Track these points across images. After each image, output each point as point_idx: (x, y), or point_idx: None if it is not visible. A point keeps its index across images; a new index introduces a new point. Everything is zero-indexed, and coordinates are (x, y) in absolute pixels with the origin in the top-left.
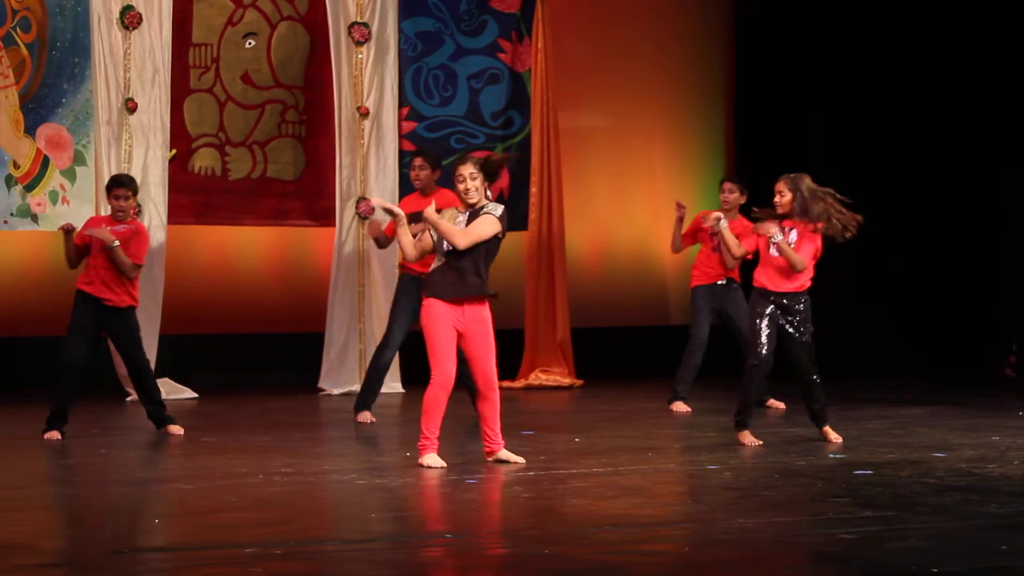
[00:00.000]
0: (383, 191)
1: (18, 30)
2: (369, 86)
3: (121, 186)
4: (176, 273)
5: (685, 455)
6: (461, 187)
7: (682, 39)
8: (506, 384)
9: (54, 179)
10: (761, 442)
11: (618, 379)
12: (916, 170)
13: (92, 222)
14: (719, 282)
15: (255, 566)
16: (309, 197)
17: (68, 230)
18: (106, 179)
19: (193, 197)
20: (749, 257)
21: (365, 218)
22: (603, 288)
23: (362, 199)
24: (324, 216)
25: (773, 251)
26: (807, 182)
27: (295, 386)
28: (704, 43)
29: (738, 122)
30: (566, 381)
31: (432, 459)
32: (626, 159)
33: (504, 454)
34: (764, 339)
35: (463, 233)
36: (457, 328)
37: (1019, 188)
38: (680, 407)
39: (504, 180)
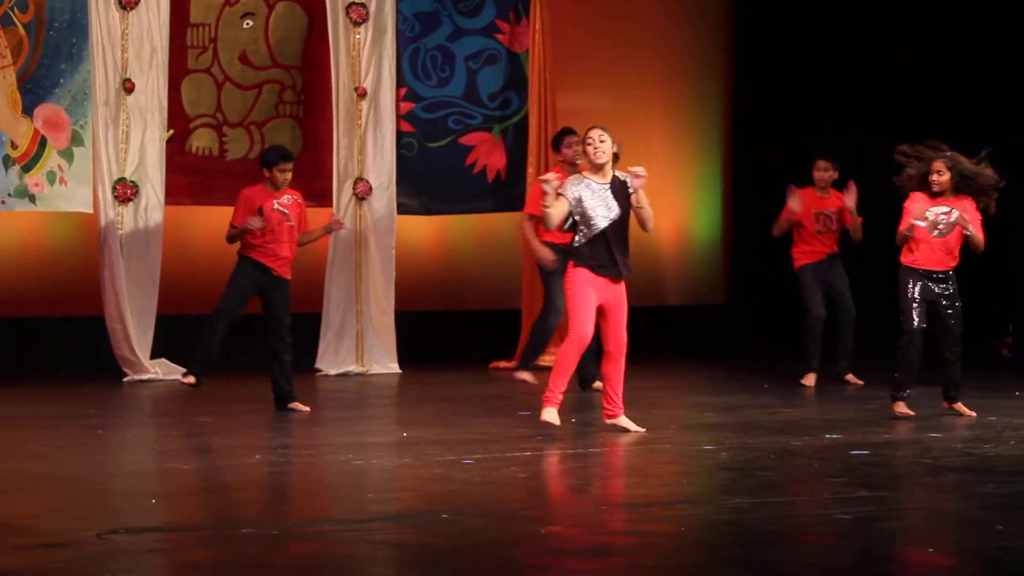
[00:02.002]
0: (380, 172)
1: (15, 10)
2: (367, 67)
3: (290, 160)
4: (173, 254)
5: (681, 435)
6: (591, 149)
7: (680, 21)
8: (503, 364)
9: (51, 159)
10: (914, 412)
11: None
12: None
13: (258, 197)
14: (824, 259)
15: (252, 546)
16: (307, 178)
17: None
18: (105, 160)
19: (190, 178)
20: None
21: (363, 199)
22: None
23: (360, 180)
24: (321, 197)
25: (935, 233)
26: (964, 162)
27: (292, 366)
28: (702, 25)
29: (736, 104)
30: None
31: (551, 414)
32: (624, 141)
33: (624, 421)
34: (916, 315)
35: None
36: (600, 298)
37: (1019, 170)
38: (812, 380)
39: (502, 161)
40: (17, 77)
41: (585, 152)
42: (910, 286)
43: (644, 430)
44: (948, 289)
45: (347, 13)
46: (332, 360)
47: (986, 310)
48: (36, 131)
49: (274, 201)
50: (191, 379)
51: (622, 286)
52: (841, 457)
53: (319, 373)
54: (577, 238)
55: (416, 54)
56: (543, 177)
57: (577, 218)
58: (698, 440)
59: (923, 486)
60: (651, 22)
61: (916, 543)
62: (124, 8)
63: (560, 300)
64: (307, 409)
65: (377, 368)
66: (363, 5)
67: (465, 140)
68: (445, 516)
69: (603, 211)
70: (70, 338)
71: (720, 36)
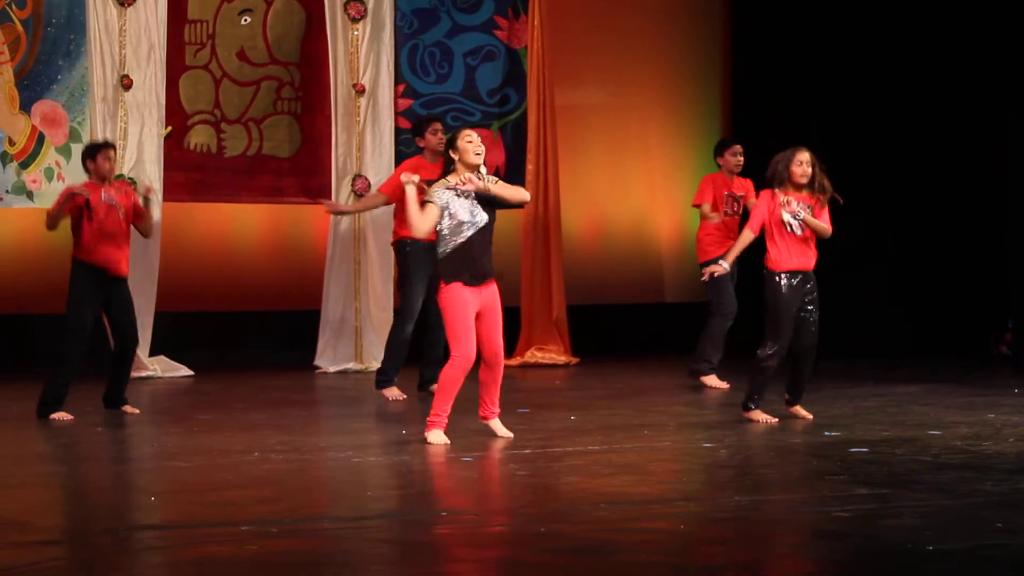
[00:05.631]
0: (379, 168)
1: (13, 6)
2: (365, 63)
3: (111, 147)
4: (171, 250)
5: (680, 433)
6: (471, 147)
7: (677, 16)
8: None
9: (49, 156)
10: (777, 420)
11: (613, 357)
12: (914, 146)
13: (88, 189)
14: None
15: (251, 543)
16: (305, 174)
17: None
18: None
19: (189, 174)
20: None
21: (361, 195)
22: (599, 266)
23: (358, 176)
24: (320, 193)
25: (796, 229)
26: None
27: (291, 364)
28: (700, 20)
29: (734, 100)
30: (562, 359)
31: (437, 436)
32: (622, 137)
33: (496, 424)
34: (786, 327)
35: (518, 191)
36: (476, 305)
37: (1019, 169)
38: (714, 381)
39: (500, 157)
40: (15, 73)
41: (462, 151)
42: (783, 292)
43: (512, 435)
44: (812, 292)
45: (345, 9)
46: (331, 357)
47: (985, 308)
48: (34, 128)
49: (102, 192)
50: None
51: (495, 290)
52: (840, 455)
53: (318, 370)
54: (441, 248)
55: (414, 50)
56: (407, 176)
57: (444, 229)
58: (697, 438)
59: (923, 484)
60: (649, 17)
61: (916, 541)
62: (122, 4)
63: (416, 305)
64: (137, 411)
65: (376, 365)
66: (361, 1)
67: None
68: (444, 514)
69: (468, 218)
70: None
71: (718, 31)
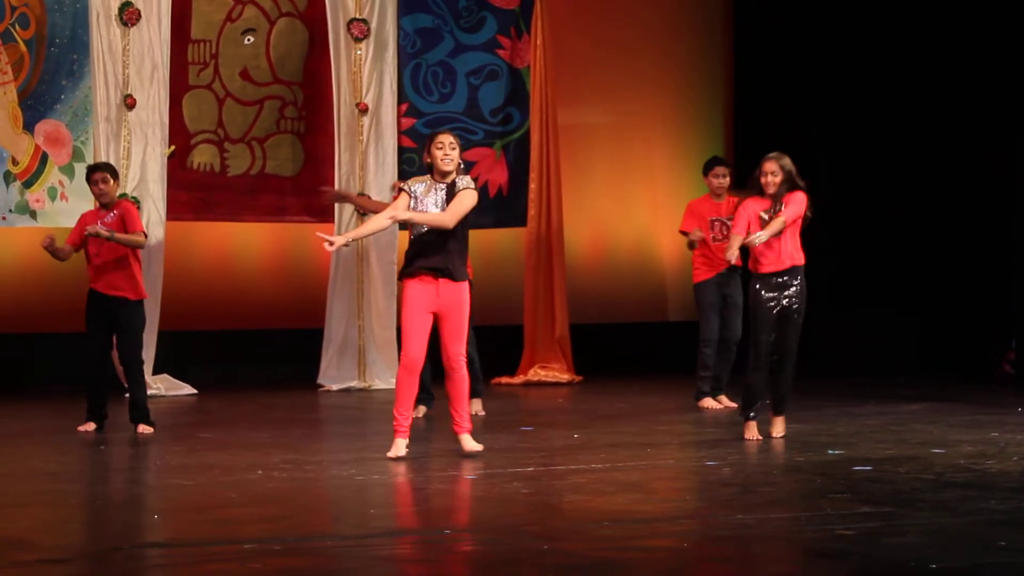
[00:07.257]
0: (382, 187)
1: (17, 26)
2: (368, 82)
3: (97, 170)
4: (175, 269)
5: (684, 451)
6: (440, 153)
7: (681, 35)
8: (505, 380)
9: (53, 175)
10: (761, 437)
11: (617, 375)
12: (916, 166)
13: (85, 219)
14: (723, 271)
15: (254, 562)
16: (308, 193)
17: (48, 247)
18: None
19: (192, 193)
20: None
21: (364, 214)
22: (602, 284)
23: (361, 195)
24: (323, 212)
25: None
26: (789, 161)
27: (294, 382)
28: (703, 39)
29: (737, 119)
30: (565, 377)
31: (398, 447)
32: (625, 156)
33: (465, 439)
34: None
35: (448, 213)
36: (433, 306)
37: (1022, 185)
38: (709, 403)
39: (503, 176)
40: (18, 93)
41: (434, 158)
42: (759, 296)
43: (481, 448)
44: (794, 290)
45: (348, 29)
46: (334, 375)
47: (988, 326)
48: (37, 147)
49: (98, 221)
50: (92, 426)
51: (459, 293)
52: (844, 473)
53: (321, 388)
54: (412, 237)
55: (417, 70)
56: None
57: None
58: (701, 456)
59: (926, 502)
60: (652, 36)
61: (919, 559)
62: (125, 24)
63: None
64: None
65: (379, 383)
66: (364, 21)
67: (467, 156)
68: (447, 532)
69: (433, 209)
70: (71, 354)
71: (721, 48)
